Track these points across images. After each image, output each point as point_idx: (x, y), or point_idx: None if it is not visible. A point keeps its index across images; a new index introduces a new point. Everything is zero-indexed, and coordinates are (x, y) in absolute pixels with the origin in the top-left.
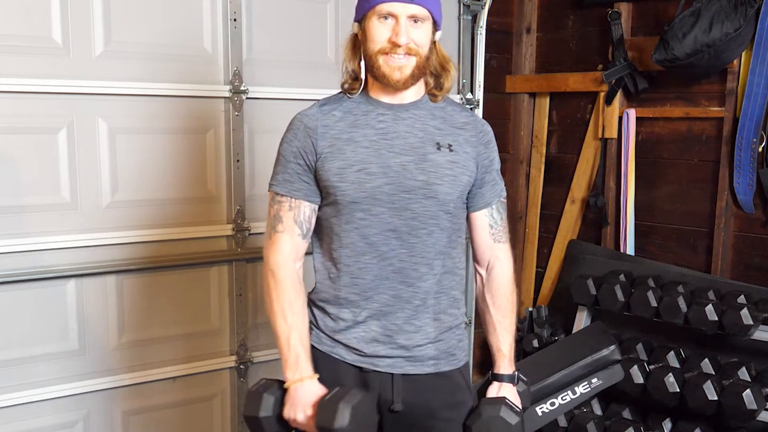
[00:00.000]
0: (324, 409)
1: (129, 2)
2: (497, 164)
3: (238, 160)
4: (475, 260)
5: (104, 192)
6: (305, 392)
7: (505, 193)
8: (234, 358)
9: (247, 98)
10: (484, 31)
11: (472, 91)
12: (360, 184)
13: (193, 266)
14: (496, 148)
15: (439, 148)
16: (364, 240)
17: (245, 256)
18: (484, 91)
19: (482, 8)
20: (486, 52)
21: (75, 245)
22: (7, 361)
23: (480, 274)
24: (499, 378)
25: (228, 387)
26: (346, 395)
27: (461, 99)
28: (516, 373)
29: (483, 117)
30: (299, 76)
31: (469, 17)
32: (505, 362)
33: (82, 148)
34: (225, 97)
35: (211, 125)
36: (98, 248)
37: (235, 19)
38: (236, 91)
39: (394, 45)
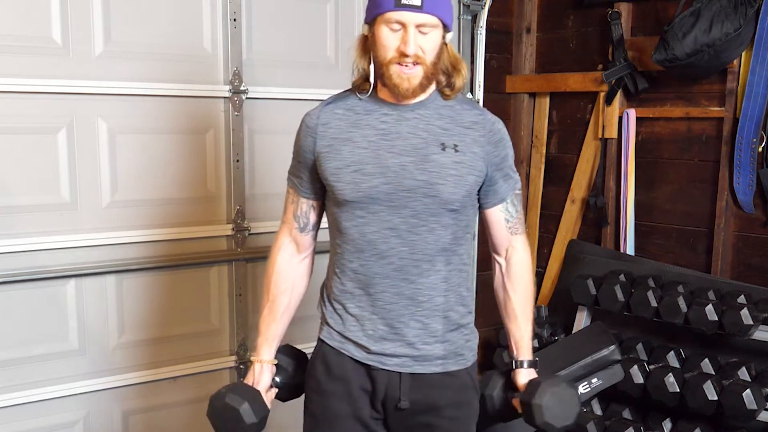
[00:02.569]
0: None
1: (129, 2)
2: (510, 160)
3: (237, 160)
4: (493, 251)
5: (104, 192)
6: (257, 372)
7: (519, 185)
8: (234, 358)
9: (246, 98)
10: (484, 31)
11: (472, 91)
12: (356, 184)
13: (192, 266)
14: (509, 144)
15: (444, 149)
16: (363, 238)
17: (245, 256)
18: (484, 91)
19: (482, 8)
20: (486, 52)
21: (74, 245)
22: (7, 361)
23: (498, 263)
24: (526, 364)
25: None
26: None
27: None
28: (536, 359)
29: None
30: (299, 76)
31: (469, 17)
32: (527, 348)
33: (82, 148)
34: (225, 97)
35: (210, 125)
36: (98, 248)
37: (234, 19)
38: (236, 91)
39: (403, 55)
